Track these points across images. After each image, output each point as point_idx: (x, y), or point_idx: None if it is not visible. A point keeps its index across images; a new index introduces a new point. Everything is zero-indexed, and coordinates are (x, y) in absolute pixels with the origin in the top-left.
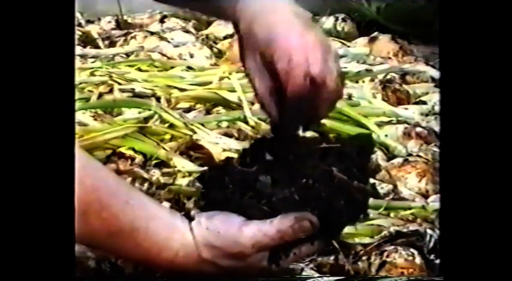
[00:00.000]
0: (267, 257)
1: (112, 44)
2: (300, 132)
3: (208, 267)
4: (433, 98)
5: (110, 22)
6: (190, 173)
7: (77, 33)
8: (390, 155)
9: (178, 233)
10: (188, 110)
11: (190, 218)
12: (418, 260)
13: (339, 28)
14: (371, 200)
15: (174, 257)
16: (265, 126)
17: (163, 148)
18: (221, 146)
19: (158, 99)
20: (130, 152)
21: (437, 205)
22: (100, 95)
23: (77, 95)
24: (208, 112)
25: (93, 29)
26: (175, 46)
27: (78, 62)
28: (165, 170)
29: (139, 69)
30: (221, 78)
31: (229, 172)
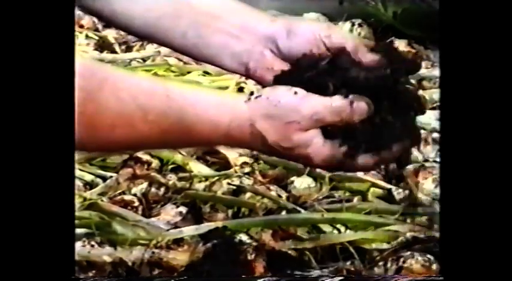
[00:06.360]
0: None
1: (129, 49)
2: None
3: (257, 142)
4: None
5: None
6: (206, 178)
7: (94, 38)
8: None
9: (227, 106)
10: None
11: (251, 93)
12: (434, 266)
13: (355, 33)
14: (387, 206)
15: (227, 129)
16: None
17: (180, 153)
18: (237, 151)
19: None
20: (147, 157)
21: None
22: None
23: None
24: None
25: (110, 34)
26: None
27: None
28: (182, 174)
29: (156, 74)
30: (238, 83)
31: None
